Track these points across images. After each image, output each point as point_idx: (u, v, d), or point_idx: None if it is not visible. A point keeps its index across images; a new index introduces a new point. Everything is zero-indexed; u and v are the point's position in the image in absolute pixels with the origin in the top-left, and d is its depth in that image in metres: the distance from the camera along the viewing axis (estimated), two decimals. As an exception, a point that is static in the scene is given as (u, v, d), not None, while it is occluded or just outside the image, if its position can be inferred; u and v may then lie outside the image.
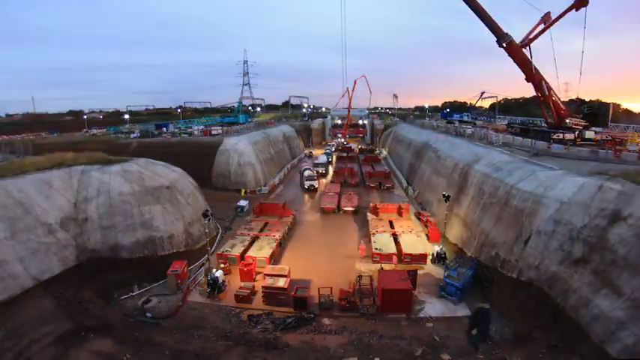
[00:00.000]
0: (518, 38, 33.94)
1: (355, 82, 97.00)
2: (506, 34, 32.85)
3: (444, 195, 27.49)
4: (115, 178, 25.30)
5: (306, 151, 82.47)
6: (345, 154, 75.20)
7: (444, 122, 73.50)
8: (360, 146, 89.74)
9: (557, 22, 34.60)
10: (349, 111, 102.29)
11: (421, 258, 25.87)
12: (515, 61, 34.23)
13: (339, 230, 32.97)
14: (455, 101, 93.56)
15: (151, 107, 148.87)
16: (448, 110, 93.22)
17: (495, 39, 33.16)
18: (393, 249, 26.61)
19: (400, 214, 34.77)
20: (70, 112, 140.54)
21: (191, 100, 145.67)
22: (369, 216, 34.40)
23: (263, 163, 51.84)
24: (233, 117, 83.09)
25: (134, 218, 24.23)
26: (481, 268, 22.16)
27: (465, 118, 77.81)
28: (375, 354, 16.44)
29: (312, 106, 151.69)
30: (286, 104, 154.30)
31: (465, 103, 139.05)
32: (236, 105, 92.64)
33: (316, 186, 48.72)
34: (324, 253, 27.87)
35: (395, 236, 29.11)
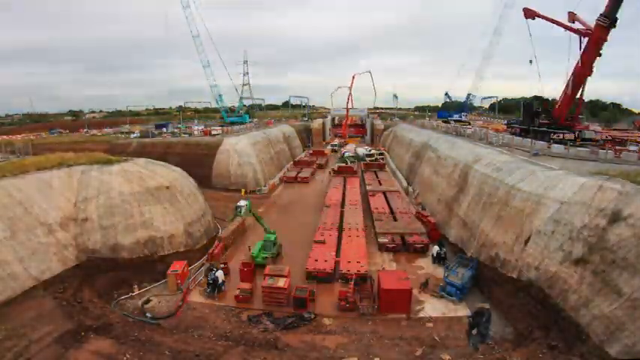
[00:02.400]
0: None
1: (354, 76, 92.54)
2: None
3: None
4: (115, 178, 25.30)
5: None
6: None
7: (441, 121, 75.38)
8: (365, 156, 66.00)
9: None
10: (347, 110, 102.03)
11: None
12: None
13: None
14: (456, 101, 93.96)
15: (151, 107, 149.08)
16: (444, 111, 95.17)
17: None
18: None
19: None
20: (70, 112, 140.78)
21: (191, 100, 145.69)
22: None
23: (263, 163, 51.86)
24: (236, 116, 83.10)
25: (134, 218, 24.22)
26: (481, 268, 22.16)
27: (463, 118, 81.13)
28: (375, 354, 16.44)
29: (313, 105, 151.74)
30: (286, 104, 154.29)
31: (466, 103, 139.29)
32: (237, 105, 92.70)
33: (337, 149, 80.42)
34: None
35: None
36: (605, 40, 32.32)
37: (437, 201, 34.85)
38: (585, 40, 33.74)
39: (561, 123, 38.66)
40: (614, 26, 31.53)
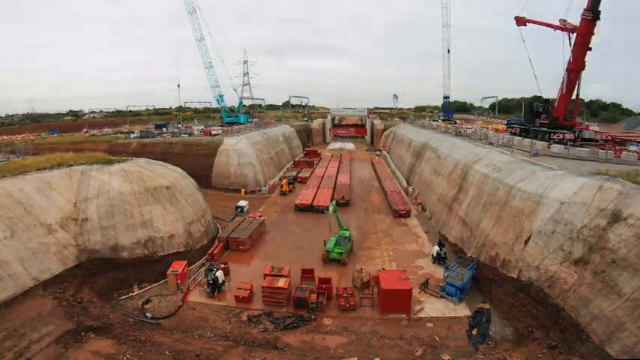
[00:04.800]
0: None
1: None
2: None
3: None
4: (115, 178, 25.28)
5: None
6: None
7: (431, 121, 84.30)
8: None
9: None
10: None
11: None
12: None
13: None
14: (455, 101, 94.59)
15: (151, 107, 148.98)
16: (432, 111, 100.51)
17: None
18: None
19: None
20: (70, 112, 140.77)
21: (191, 100, 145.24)
22: None
23: (263, 163, 51.85)
24: (234, 117, 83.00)
25: (134, 218, 24.20)
26: (481, 268, 22.16)
27: (449, 117, 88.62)
28: (375, 354, 16.46)
29: (313, 105, 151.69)
30: (286, 104, 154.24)
31: (465, 103, 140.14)
32: (237, 105, 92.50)
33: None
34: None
35: None
36: (593, 34, 34.20)
37: (437, 201, 34.84)
38: (574, 36, 35.51)
39: (560, 122, 38.73)
40: (599, 19, 33.39)
